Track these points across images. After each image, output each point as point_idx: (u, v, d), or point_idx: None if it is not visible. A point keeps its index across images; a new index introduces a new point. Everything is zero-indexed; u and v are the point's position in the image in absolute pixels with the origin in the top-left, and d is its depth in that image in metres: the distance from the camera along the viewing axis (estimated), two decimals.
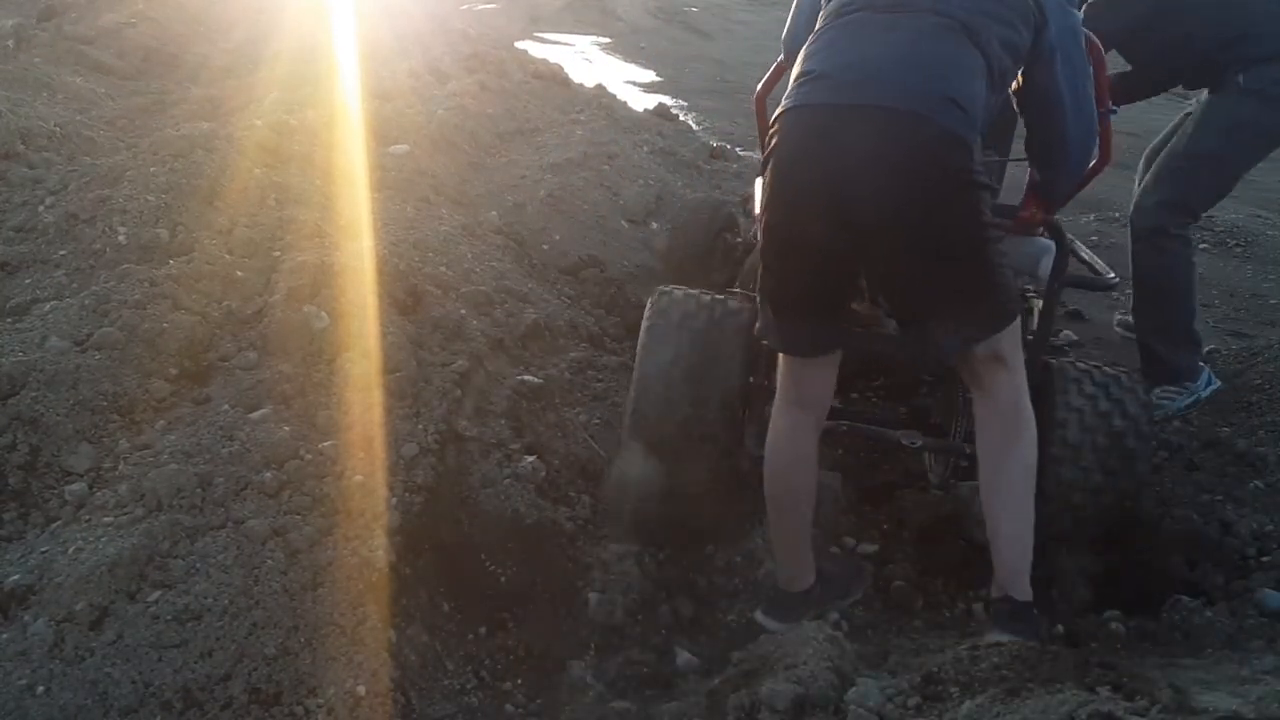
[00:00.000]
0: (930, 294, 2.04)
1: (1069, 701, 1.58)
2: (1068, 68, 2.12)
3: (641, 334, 2.65)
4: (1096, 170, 2.62)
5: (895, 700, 1.79)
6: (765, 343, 2.26)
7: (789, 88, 2.09)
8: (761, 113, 3.40)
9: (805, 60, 2.07)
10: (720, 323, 2.59)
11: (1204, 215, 3.57)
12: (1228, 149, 3.13)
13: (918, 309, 2.10)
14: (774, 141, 2.05)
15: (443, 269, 3.28)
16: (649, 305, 2.71)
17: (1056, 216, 2.58)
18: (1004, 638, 2.01)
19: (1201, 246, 5.44)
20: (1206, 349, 3.74)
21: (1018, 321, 2.11)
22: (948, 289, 2.01)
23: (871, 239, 1.98)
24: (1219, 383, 3.39)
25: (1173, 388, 3.36)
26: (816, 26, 2.14)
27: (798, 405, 2.21)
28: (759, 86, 3.27)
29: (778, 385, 2.25)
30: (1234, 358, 3.48)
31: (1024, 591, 2.08)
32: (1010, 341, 2.09)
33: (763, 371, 2.67)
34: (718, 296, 2.70)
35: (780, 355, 2.24)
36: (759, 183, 3.14)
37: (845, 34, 2.06)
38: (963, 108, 1.92)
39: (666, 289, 2.74)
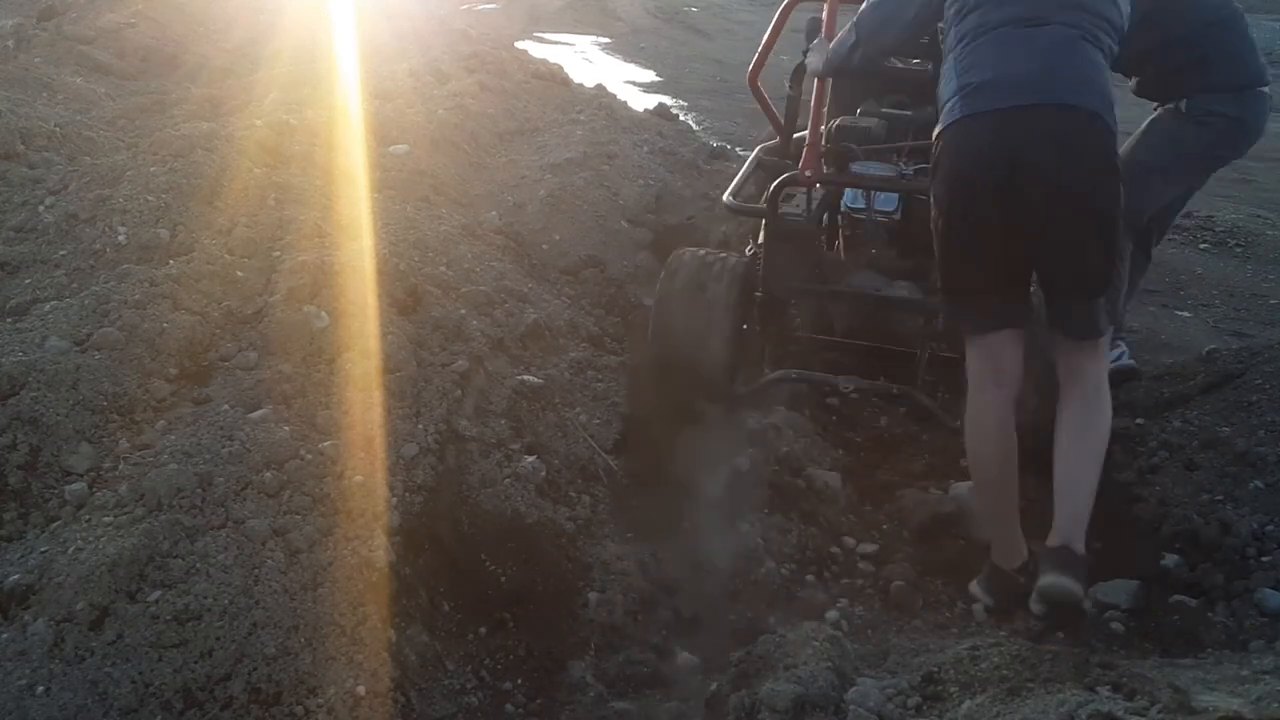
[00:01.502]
0: (1079, 270, 2.27)
1: (1069, 701, 1.59)
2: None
3: (659, 287, 3.12)
4: None
5: (895, 700, 1.79)
6: (958, 328, 2.48)
7: (950, 100, 2.27)
8: (758, 90, 3.62)
9: (961, 74, 2.28)
10: (719, 276, 3.02)
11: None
12: (1157, 160, 3.28)
13: (1069, 284, 2.30)
14: (952, 148, 2.26)
15: (443, 269, 3.28)
16: (667, 265, 3.19)
17: None
18: (1059, 580, 2.17)
19: (1202, 246, 5.45)
20: (1207, 349, 3.78)
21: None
22: (1092, 266, 2.26)
23: (1045, 216, 2.20)
24: (1132, 361, 3.69)
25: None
26: (951, 44, 2.36)
27: (995, 384, 2.37)
28: (750, 69, 3.47)
29: (970, 375, 2.41)
30: (1234, 358, 3.47)
31: (1082, 546, 2.25)
32: (1106, 344, 2.39)
33: (756, 320, 3.15)
34: (719, 254, 3.21)
35: (970, 344, 2.41)
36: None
37: (995, 48, 2.27)
38: (1110, 105, 2.22)
39: (681, 251, 3.24)
